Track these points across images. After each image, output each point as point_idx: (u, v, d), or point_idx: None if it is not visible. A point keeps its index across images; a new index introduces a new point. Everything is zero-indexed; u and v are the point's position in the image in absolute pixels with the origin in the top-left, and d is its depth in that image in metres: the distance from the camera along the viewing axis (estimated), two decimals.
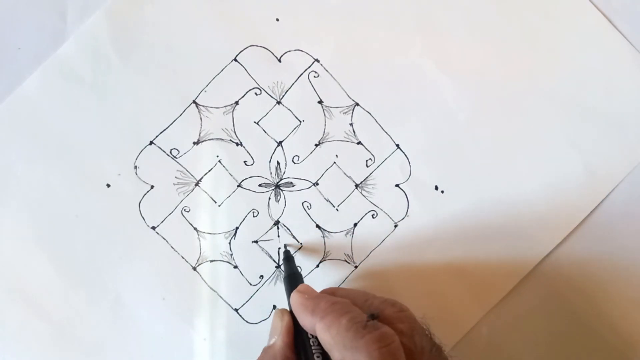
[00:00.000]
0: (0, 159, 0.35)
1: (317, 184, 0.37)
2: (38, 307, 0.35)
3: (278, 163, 0.37)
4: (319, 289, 0.36)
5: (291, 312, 0.30)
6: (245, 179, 0.37)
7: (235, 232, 0.37)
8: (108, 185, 0.36)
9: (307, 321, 0.28)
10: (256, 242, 0.37)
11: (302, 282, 0.33)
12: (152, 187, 0.36)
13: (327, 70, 0.37)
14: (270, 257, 0.37)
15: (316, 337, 0.28)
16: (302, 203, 0.37)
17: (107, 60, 0.36)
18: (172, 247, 0.36)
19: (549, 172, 0.37)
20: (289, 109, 0.37)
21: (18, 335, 0.35)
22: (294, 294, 0.29)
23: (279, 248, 0.36)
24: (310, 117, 0.37)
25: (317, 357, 0.28)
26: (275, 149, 0.37)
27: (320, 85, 0.37)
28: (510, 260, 0.37)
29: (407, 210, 0.37)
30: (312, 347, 0.28)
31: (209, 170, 0.37)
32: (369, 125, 0.37)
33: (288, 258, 0.35)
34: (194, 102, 0.36)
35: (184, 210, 0.36)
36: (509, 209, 0.37)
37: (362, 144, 0.37)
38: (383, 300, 0.29)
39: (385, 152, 0.37)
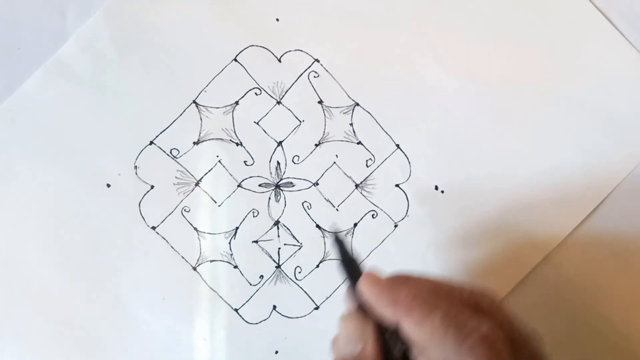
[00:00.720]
0: (0, 159, 0.35)
1: (317, 184, 0.37)
2: (38, 307, 0.35)
3: (278, 163, 0.37)
4: (319, 289, 0.37)
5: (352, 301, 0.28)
6: (245, 179, 0.37)
7: (235, 232, 0.37)
8: (108, 185, 0.36)
9: (388, 314, 0.25)
10: (256, 242, 0.37)
11: (359, 265, 0.29)
12: (152, 187, 0.36)
13: (327, 70, 0.37)
14: (270, 257, 0.37)
15: (399, 340, 0.26)
16: (302, 203, 0.37)
17: (107, 60, 0.36)
18: (172, 247, 0.36)
19: (549, 172, 0.37)
20: (289, 109, 0.37)
21: (18, 335, 0.35)
22: (365, 285, 0.26)
23: (329, 231, 0.34)
24: (310, 117, 0.37)
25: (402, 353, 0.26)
26: (275, 149, 0.37)
27: (320, 85, 0.37)
28: (510, 260, 0.37)
29: (407, 210, 0.37)
30: (396, 342, 0.25)
31: (209, 170, 0.37)
32: (369, 125, 0.37)
33: (340, 241, 0.30)
34: (194, 102, 0.36)
35: (184, 210, 0.36)
36: (509, 209, 0.37)
37: (362, 144, 0.37)
38: (470, 291, 0.27)
39: (385, 152, 0.37)
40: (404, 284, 0.26)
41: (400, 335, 0.25)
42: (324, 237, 0.37)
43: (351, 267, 0.29)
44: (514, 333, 0.26)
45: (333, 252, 0.32)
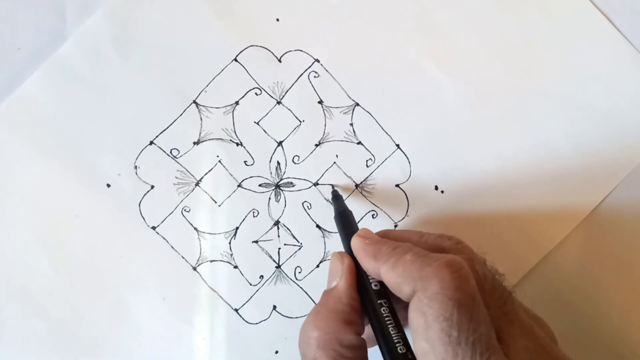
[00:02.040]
0: (0, 159, 0.35)
1: (317, 184, 0.37)
2: (38, 307, 0.35)
3: (278, 163, 0.37)
4: (319, 289, 0.37)
5: (350, 254, 0.30)
6: (246, 179, 0.37)
7: (235, 232, 0.37)
8: (108, 185, 0.36)
9: (370, 266, 0.28)
10: (256, 242, 0.37)
11: (353, 219, 0.33)
12: (152, 187, 0.36)
13: (327, 70, 0.37)
14: (270, 257, 0.37)
15: (378, 281, 0.29)
16: (302, 203, 0.37)
17: (107, 60, 0.36)
18: (172, 247, 0.36)
19: (548, 172, 0.37)
20: (289, 109, 0.37)
21: (18, 335, 0.35)
22: (355, 239, 0.30)
23: (332, 189, 0.37)
24: (310, 117, 0.37)
25: (380, 297, 0.28)
26: (275, 149, 0.37)
27: (320, 85, 0.37)
28: (509, 259, 0.37)
29: (407, 210, 0.37)
30: (373, 285, 0.29)
31: (209, 170, 0.37)
32: (369, 125, 0.37)
33: (337, 196, 0.35)
34: (194, 102, 0.36)
35: (184, 210, 0.36)
36: (509, 209, 0.37)
37: (362, 144, 0.37)
38: (438, 235, 0.30)
39: (385, 152, 0.37)
40: (386, 241, 0.29)
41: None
42: (324, 237, 0.37)
43: (345, 219, 0.33)
44: (474, 269, 0.27)
45: (333, 206, 0.35)
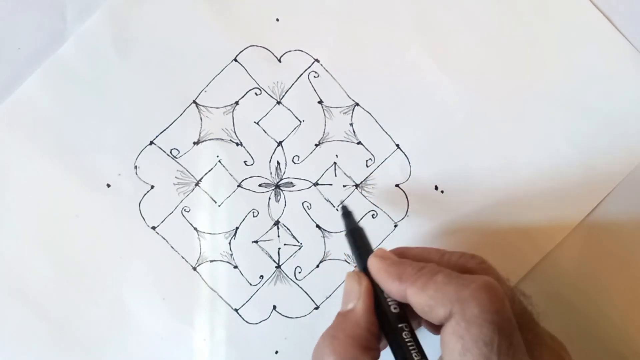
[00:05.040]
0: (0, 159, 0.35)
1: (317, 184, 0.37)
2: (38, 307, 0.35)
3: (278, 163, 0.37)
4: (319, 289, 0.37)
5: (365, 274, 0.29)
6: (245, 179, 0.37)
7: (235, 232, 0.37)
8: (108, 185, 0.36)
9: (394, 287, 0.27)
10: (256, 242, 0.37)
11: (366, 237, 0.32)
12: (152, 187, 0.36)
13: (327, 70, 0.37)
14: (270, 257, 0.37)
15: (397, 303, 0.28)
16: (302, 203, 0.37)
17: (107, 60, 0.36)
18: (172, 247, 0.36)
19: (548, 172, 0.37)
20: (289, 109, 0.37)
21: (18, 335, 0.35)
22: (374, 260, 0.28)
23: (341, 205, 0.36)
24: (310, 117, 0.37)
25: (401, 321, 0.27)
26: (275, 149, 0.37)
27: (320, 85, 0.37)
28: (509, 259, 0.37)
29: (407, 210, 0.37)
30: (392, 308, 0.28)
31: (209, 170, 0.37)
32: (369, 125, 0.37)
33: (347, 213, 0.33)
34: (194, 102, 0.36)
35: (184, 210, 0.36)
36: (509, 209, 0.37)
37: (362, 144, 0.37)
38: (460, 254, 0.29)
39: (385, 152, 0.37)
40: (409, 262, 0.28)
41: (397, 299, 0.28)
42: (324, 237, 0.37)
43: (358, 237, 0.32)
44: (506, 287, 0.27)
45: (342, 225, 0.33)
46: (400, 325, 0.27)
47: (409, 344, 0.26)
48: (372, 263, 0.29)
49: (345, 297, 0.29)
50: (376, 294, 0.28)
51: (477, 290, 0.24)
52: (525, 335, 0.25)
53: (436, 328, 0.27)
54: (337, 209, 0.37)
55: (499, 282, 0.27)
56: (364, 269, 0.30)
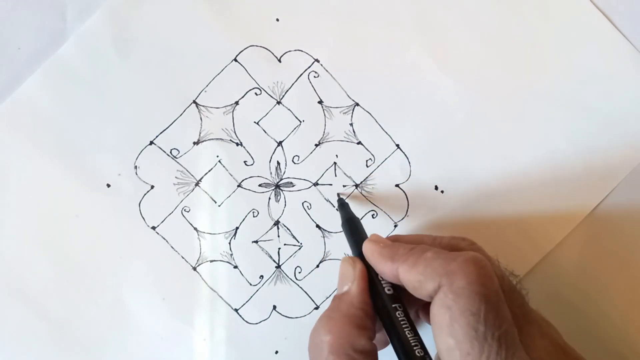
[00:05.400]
0: (0, 159, 0.35)
1: (317, 184, 0.37)
2: (38, 307, 0.35)
3: (278, 163, 0.37)
4: (319, 289, 0.37)
5: (361, 259, 0.30)
6: (245, 179, 0.37)
7: (235, 232, 0.37)
8: (108, 185, 0.36)
9: (387, 267, 0.28)
10: (256, 242, 0.37)
11: (362, 226, 0.33)
12: (152, 187, 0.36)
13: (327, 70, 0.37)
14: (270, 257, 0.37)
15: (391, 285, 0.28)
16: (302, 203, 0.37)
17: (107, 60, 0.36)
18: (172, 247, 0.36)
19: (548, 172, 0.37)
20: (289, 109, 0.37)
21: (18, 335, 0.35)
22: (368, 243, 0.29)
23: (338, 194, 0.37)
24: (310, 117, 0.37)
25: (394, 302, 0.28)
26: (275, 149, 0.37)
27: (320, 85, 0.37)
28: (510, 260, 0.37)
29: (407, 210, 0.37)
30: (386, 289, 0.28)
31: (209, 170, 0.37)
32: (369, 125, 0.37)
33: (343, 204, 0.35)
34: (194, 102, 0.36)
35: (184, 210, 0.36)
36: (509, 209, 0.37)
37: (362, 144, 0.37)
38: (451, 237, 0.30)
39: (385, 152, 0.37)
40: (401, 244, 0.29)
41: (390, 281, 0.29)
42: (324, 237, 0.37)
43: (353, 226, 0.33)
44: (495, 266, 0.27)
45: (339, 214, 0.35)
46: (394, 305, 0.28)
47: (402, 322, 0.27)
48: (366, 246, 0.29)
49: (341, 280, 0.30)
50: (370, 277, 0.29)
51: (464, 263, 0.25)
52: (513, 309, 0.26)
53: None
54: (336, 209, 0.37)
55: (490, 260, 0.27)
56: (359, 256, 0.31)
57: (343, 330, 0.27)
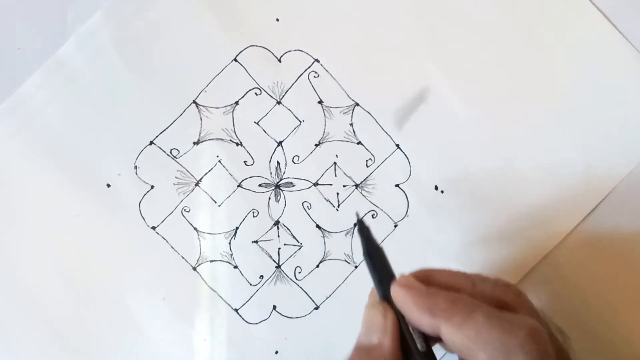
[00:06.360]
0: (0, 159, 0.35)
1: (317, 184, 0.37)
2: (38, 307, 0.35)
3: (278, 163, 0.37)
4: (319, 289, 0.37)
5: (387, 302, 0.27)
6: (245, 179, 0.37)
7: (235, 232, 0.37)
8: (108, 185, 0.36)
9: (425, 322, 0.25)
10: (256, 242, 0.37)
11: (386, 258, 0.28)
12: (152, 187, 0.36)
13: (327, 70, 0.37)
14: (270, 257, 0.37)
15: (420, 335, 0.26)
16: (302, 203, 0.37)
17: (107, 60, 0.36)
18: (172, 247, 0.36)
19: (548, 172, 0.37)
20: (289, 109, 0.37)
21: (18, 335, 0.35)
22: (399, 289, 0.26)
23: (356, 218, 0.31)
24: (310, 117, 0.37)
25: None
26: (275, 149, 0.37)
27: (320, 85, 0.37)
28: (510, 259, 0.37)
29: (407, 210, 0.37)
30: (419, 346, 0.25)
31: (209, 170, 0.37)
32: (369, 125, 0.37)
33: (363, 228, 0.29)
34: (194, 102, 0.36)
35: (184, 210, 0.36)
36: (509, 209, 0.37)
37: (362, 144, 0.37)
38: (494, 283, 0.27)
39: (385, 152, 0.37)
40: (440, 292, 0.25)
41: (424, 333, 0.25)
42: (324, 237, 0.37)
43: (378, 259, 0.28)
44: (544, 324, 0.25)
45: (359, 241, 0.30)
46: None
47: None
48: (398, 294, 0.26)
49: (368, 329, 0.26)
50: (401, 330, 0.26)
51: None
52: None
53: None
54: (337, 209, 0.37)
55: (538, 320, 0.25)
56: (384, 296, 0.27)
57: None
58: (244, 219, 0.37)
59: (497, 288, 0.27)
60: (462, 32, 0.37)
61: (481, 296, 0.26)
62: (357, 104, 0.37)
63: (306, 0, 0.37)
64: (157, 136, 0.36)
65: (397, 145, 0.37)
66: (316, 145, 0.37)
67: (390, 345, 0.25)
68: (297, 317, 0.37)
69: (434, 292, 0.25)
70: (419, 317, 0.25)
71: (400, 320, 0.26)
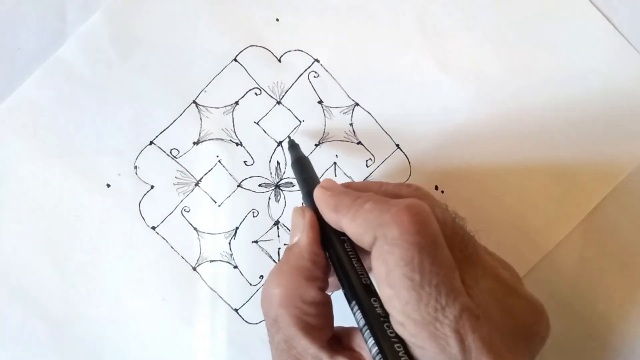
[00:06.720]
0: (0, 159, 0.35)
1: None
2: (38, 307, 0.35)
3: (278, 163, 0.37)
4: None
5: (311, 204, 0.29)
6: (245, 179, 0.37)
7: (235, 232, 0.37)
8: (108, 185, 0.36)
9: (332, 218, 0.27)
10: (256, 242, 0.37)
11: (311, 166, 0.32)
12: (152, 187, 0.36)
13: (327, 70, 0.37)
14: (270, 257, 0.37)
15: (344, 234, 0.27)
16: (302, 203, 0.37)
17: (107, 60, 0.36)
18: (172, 247, 0.36)
19: (548, 172, 0.37)
20: (289, 109, 0.37)
21: (18, 335, 0.35)
22: (317, 191, 0.28)
23: (288, 139, 0.35)
24: (310, 117, 0.37)
25: (348, 249, 0.27)
26: (275, 149, 0.37)
27: (320, 85, 0.37)
28: (509, 259, 0.37)
29: None
30: (339, 237, 0.27)
31: (209, 170, 0.37)
32: (369, 125, 0.37)
33: (293, 145, 0.34)
34: (194, 102, 0.36)
35: (184, 210, 0.36)
36: (509, 208, 0.37)
37: (362, 144, 0.37)
38: (397, 183, 0.29)
39: (385, 152, 0.37)
40: (348, 192, 0.27)
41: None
42: None
43: (301, 167, 0.32)
44: (440, 209, 0.26)
45: (289, 155, 0.34)
46: (349, 252, 0.27)
47: (350, 257, 0.26)
48: (316, 194, 0.28)
49: (292, 231, 0.29)
50: (324, 226, 0.28)
51: (397, 213, 0.24)
52: (455, 253, 0.25)
53: None
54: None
55: (433, 205, 0.26)
56: (308, 196, 0.30)
57: (291, 282, 0.26)
58: (243, 219, 0.37)
59: (399, 186, 0.29)
60: (462, 32, 0.37)
61: (384, 193, 0.27)
62: (357, 104, 0.37)
63: (306, 0, 0.37)
64: (157, 136, 0.36)
65: (397, 145, 0.37)
66: (316, 145, 0.37)
67: (306, 241, 0.27)
68: None
69: (343, 192, 0.27)
70: (327, 215, 0.27)
71: (322, 218, 0.28)
